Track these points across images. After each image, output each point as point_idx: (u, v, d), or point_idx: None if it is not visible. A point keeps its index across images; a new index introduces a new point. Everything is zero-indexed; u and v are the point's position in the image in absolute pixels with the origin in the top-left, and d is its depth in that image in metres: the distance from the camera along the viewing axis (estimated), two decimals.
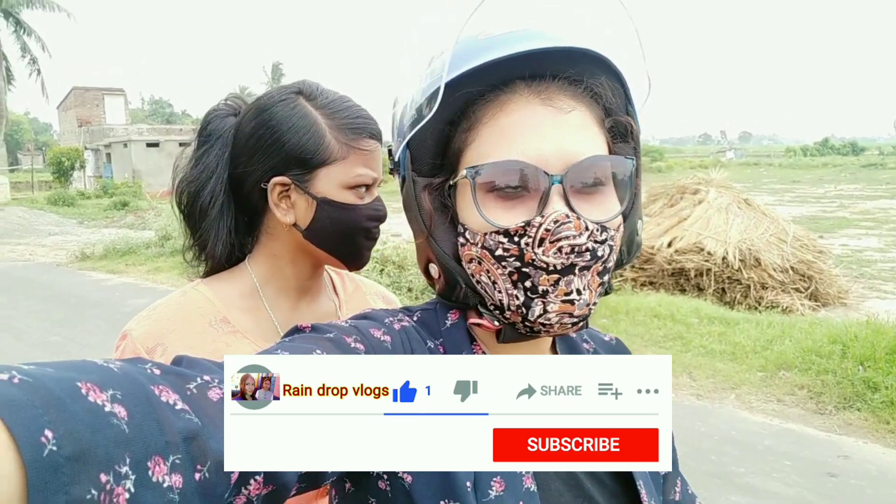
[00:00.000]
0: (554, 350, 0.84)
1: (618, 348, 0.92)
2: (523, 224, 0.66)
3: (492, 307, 0.72)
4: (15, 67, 32.83)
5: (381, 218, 1.14)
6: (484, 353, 0.76)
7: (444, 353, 0.74)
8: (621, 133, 0.74)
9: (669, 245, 8.88)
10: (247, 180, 1.11)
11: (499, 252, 0.68)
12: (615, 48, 0.72)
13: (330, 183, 1.08)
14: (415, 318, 0.78)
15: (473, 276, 0.72)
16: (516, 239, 0.66)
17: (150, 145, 34.32)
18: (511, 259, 0.67)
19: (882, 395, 4.78)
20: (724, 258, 8.43)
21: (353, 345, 0.65)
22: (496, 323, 0.73)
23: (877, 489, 3.81)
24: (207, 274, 1.19)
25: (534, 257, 0.66)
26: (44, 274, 12.24)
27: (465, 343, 0.75)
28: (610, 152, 0.73)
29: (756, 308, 8.02)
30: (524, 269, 0.67)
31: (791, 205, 21.67)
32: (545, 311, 0.67)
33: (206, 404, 0.46)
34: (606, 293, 0.74)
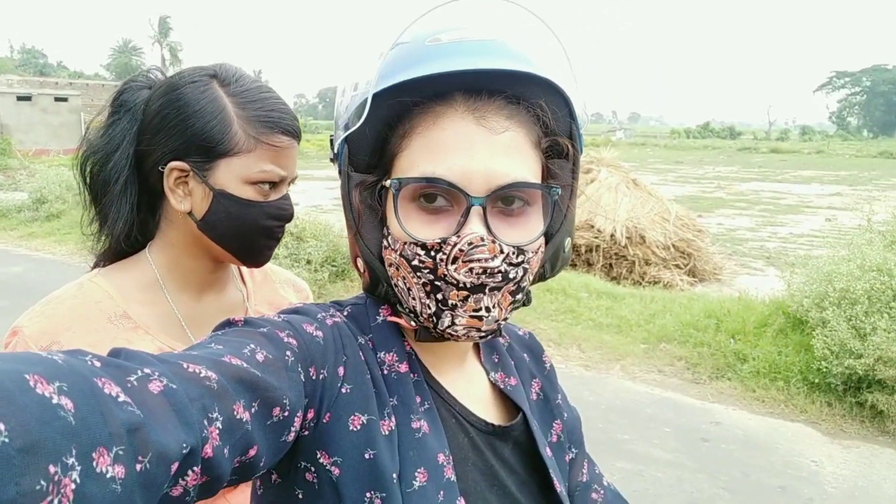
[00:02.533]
0: (476, 345, 0.87)
1: (531, 343, 0.97)
2: (439, 241, 0.68)
3: (407, 310, 0.75)
4: None
5: (286, 217, 1.10)
6: (412, 349, 0.78)
7: (374, 348, 0.75)
8: (559, 152, 0.76)
9: None
10: (147, 159, 1.06)
11: (415, 262, 0.69)
12: (562, 69, 0.73)
13: (230, 175, 1.04)
14: (345, 314, 0.78)
15: (392, 279, 0.74)
16: (432, 253, 0.68)
17: (21, 98, 31.69)
18: (426, 271, 0.69)
19: (750, 366, 5.21)
20: (612, 235, 8.83)
21: (285, 339, 0.66)
22: (413, 323, 0.75)
23: (743, 452, 4.18)
24: (105, 252, 1.13)
25: (445, 273, 0.67)
26: None
27: (395, 339, 0.77)
28: (544, 173, 0.75)
29: (640, 283, 8.47)
30: (436, 283, 0.68)
31: (674, 185, 22.87)
32: (453, 324, 0.69)
33: (146, 397, 0.46)
34: (524, 305, 0.78)
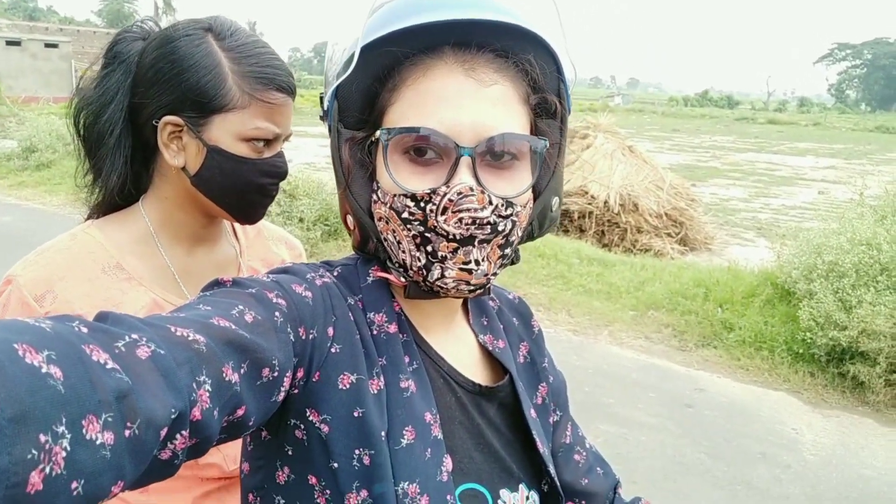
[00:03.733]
0: (465, 307, 0.88)
1: (520, 307, 0.98)
2: (429, 191, 0.68)
3: (396, 265, 0.75)
4: None
5: (280, 175, 1.09)
6: (401, 310, 0.78)
7: (364, 308, 0.76)
8: (548, 111, 0.76)
9: None
10: (141, 113, 1.05)
11: (405, 214, 0.70)
12: (552, 26, 0.73)
13: (224, 131, 1.03)
14: (335, 274, 0.79)
15: (382, 234, 0.75)
16: (422, 204, 0.68)
17: (10, 43, 31.05)
18: (416, 223, 0.69)
19: (736, 335, 5.28)
20: (605, 202, 8.83)
21: (274, 300, 0.66)
22: (402, 279, 0.75)
23: (726, 419, 4.26)
24: (98, 204, 1.13)
25: (436, 224, 0.68)
26: None
27: (386, 299, 0.77)
28: (533, 129, 0.75)
29: (631, 251, 8.51)
30: (426, 234, 0.69)
31: (670, 153, 22.82)
32: (443, 276, 0.70)
33: (134, 362, 0.47)
34: (513, 263, 0.79)
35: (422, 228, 0.69)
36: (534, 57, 0.73)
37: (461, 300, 0.85)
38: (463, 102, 0.68)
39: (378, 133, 0.71)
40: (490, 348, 0.85)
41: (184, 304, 0.63)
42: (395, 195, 0.70)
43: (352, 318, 0.74)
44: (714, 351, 5.25)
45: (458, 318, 0.86)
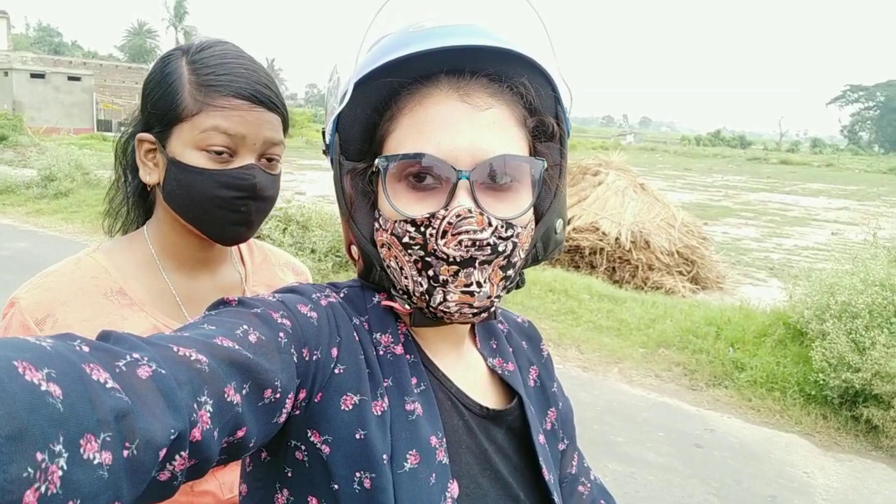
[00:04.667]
0: (473, 330, 0.88)
1: (530, 331, 0.97)
2: (428, 216, 0.69)
3: (400, 291, 0.76)
4: None
5: (245, 188, 1.02)
6: (407, 331, 0.79)
7: (370, 329, 0.76)
8: (546, 133, 0.78)
9: (568, 223, 9.17)
10: (134, 136, 1.09)
11: (406, 240, 0.71)
12: (543, 50, 0.75)
13: (180, 142, 1.02)
14: (342, 295, 0.79)
15: (385, 261, 0.76)
16: (422, 229, 0.69)
17: (34, 76, 31.76)
18: (416, 248, 0.70)
19: (747, 375, 5.22)
20: (616, 239, 8.82)
21: (279, 320, 0.66)
22: (407, 307, 0.76)
23: (736, 460, 4.19)
24: (122, 230, 1.17)
25: (435, 248, 0.69)
26: None
27: (391, 321, 0.78)
28: (532, 152, 0.77)
29: (642, 288, 8.46)
30: (427, 259, 0.70)
31: (682, 191, 22.78)
32: (445, 300, 0.70)
33: (135, 382, 0.47)
34: (518, 287, 0.79)
35: (422, 253, 0.70)
36: (528, 80, 0.74)
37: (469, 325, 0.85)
38: (459, 127, 0.70)
39: (377, 162, 0.72)
40: (499, 371, 0.85)
41: (188, 323, 0.63)
42: (395, 221, 0.71)
43: (357, 338, 0.74)
44: (725, 391, 5.18)
45: (467, 341, 0.86)
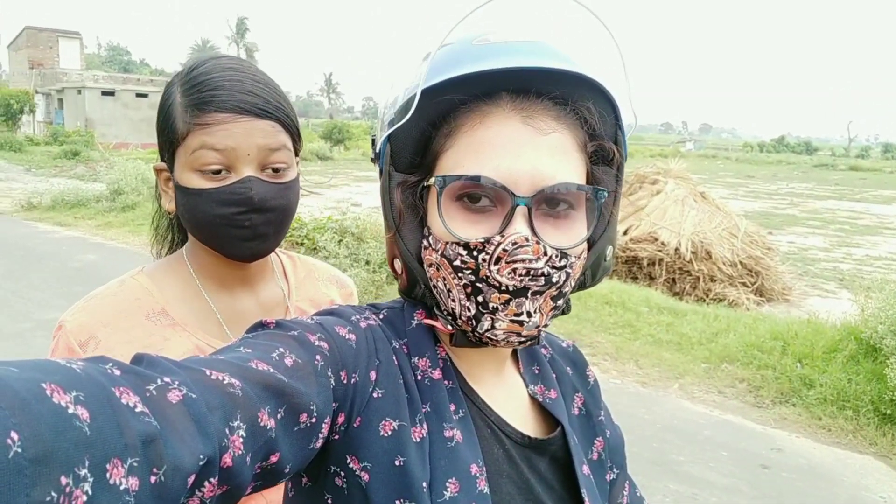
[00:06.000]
0: (515, 354, 0.85)
1: (575, 356, 0.94)
2: (483, 240, 0.66)
3: (445, 312, 0.74)
4: None
5: (242, 202, 0.99)
6: (447, 354, 0.76)
7: (409, 353, 0.74)
8: (604, 158, 0.75)
9: (625, 233, 9.03)
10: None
11: (457, 262, 0.68)
12: (609, 73, 0.72)
13: (179, 166, 1.01)
14: (381, 317, 0.78)
15: (431, 280, 0.73)
16: (475, 253, 0.67)
17: (105, 93, 33.25)
18: (467, 272, 0.68)
19: (817, 392, 4.99)
20: (676, 249, 8.62)
21: (316, 343, 0.65)
22: (449, 327, 0.74)
23: (806, 482, 4.00)
24: (171, 249, 1.19)
25: (488, 274, 0.66)
26: None
27: (429, 344, 0.76)
28: (589, 178, 0.73)
29: (703, 300, 8.24)
30: (478, 284, 0.67)
31: (745, 199, 22.20)
32: (493, 327, 0.68)
33: (165, 406, 0.46)
34: (563, 313, 0.76)
35: (473, 278, 0.67)
36: (593, 104, 0.71)
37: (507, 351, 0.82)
38: (520, 151, 0.67)
39: (433, 179, 0.70)
40: (541, 399, 0.82)
41: (225, 346, 0.63)
42: (447, 243, 0.69)
43: (396, 362, 0.72)
44: (793, 409, 4.97)
45: (508, 366, 0.83)
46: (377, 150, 0.78)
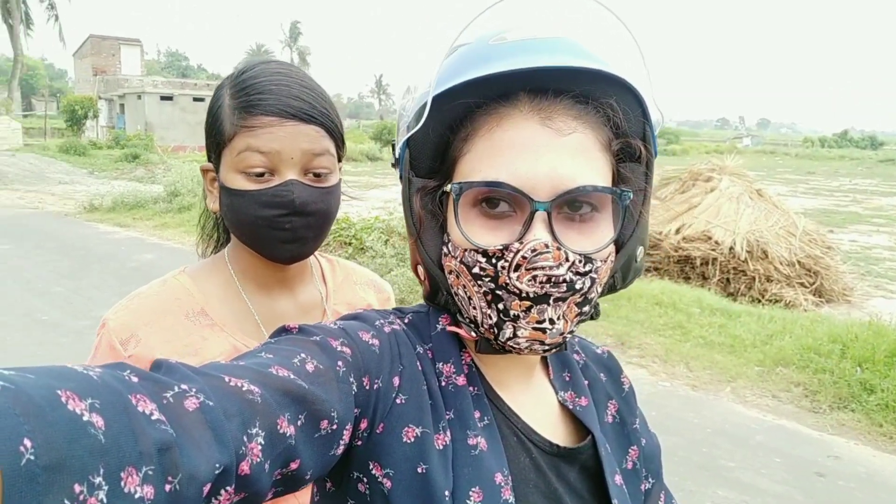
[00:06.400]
0: (544, 360, 0.83)
1: (609, 363, 0.91)
2: (501, 248, 0.65)
3: (467, 319, 0.72)
4: (34, 12, 32.96)
5: (284, 205, 1.01)
6: (472, 360, 0.75)
7: (433, 358, 0.73)
8: (632, 155, 0.72)
9: (677, 232, 8.84)
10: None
11: (476, 270, 0.67)
12: (635, 66, 0.69)
13: (225, 167, 1.04)
14: (406, 321, 0.77)
15: (452, 287, 0.72)
16: (493, 261, 0.65)
17: (163, 98, 34.25)
18: (487, 279, 0.66)
19: (877, 398, 4.79)
20: (731, 248, 8.39)
21: (339, 348, 0.65)
22: (473, 334, 0.73)
23: (865, 492, 3.84)
24: (216, 249, 1.23)
25: (507, 281, 0.64)
26: (52, 223, 12.36)
27: (454, 350, 0.75)
28: (615, 177, 0.71)
29: (759, 300, 8.00)
30: (497, 292, 0.66)
31: (804, 196, 21.49)
32: (515, 336, 0.66)
33: (181, 413, 0.46)
34: (592, 318, 0.74)
35: (493, 285, 0.66)
36: (616, 101, 0.68)
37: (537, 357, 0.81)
38: (539, 153, 0.65)
39: (449, 187, 0.69)
40: (571, 406, 0.80)
41: (246, 352, 0.63)
42: (465, 250, 0.68)
43: (420, 367, 0.72)
44: (851, 414, 4.78)
45: (538, 372, 0.81)
46: (397, 156, 0.77)
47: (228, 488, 0.48)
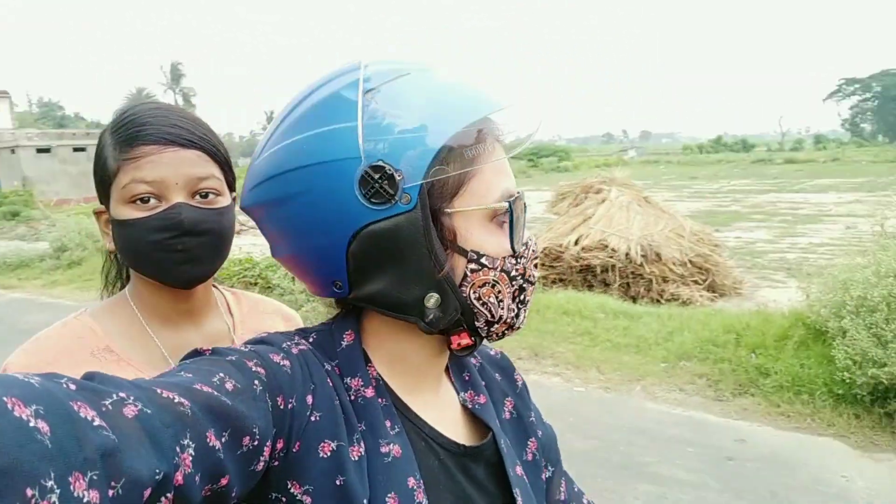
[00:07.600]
0: (446, 368, 0.87)
1: (503, 363, 0.97)
2: (524, 245, 0.76)
3: (483, 322, 0.76)
4: None
5: (175, 226, 1.01)
6: (378, 373, 0.78)
7: (341, 374, 0.75)
8: None
9: (576, 243, 9.16)
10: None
11: (513, 273, 0.75)
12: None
13: (114, 202, 1.04)
14: (310, 340, 0.79)
15: (480, 299, 0.74)
16: (521, 260, 0.76)
17: (40, 151, 32.48)
18: (518, 278, 0.76)
19: (773, 381, 5.11)
20: (626, 254, 8.77)
21: (254, 368, 0.66)
22: (473, 338, 0.78)
23: (770, 470, 4.08)
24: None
25: (531, 274, 0.77)
26: None
27: (361, 364, 0.77)
28: None
29: (658, 301, 8.38)
30: (524, 285, 0.76)
31: (689, 200, 22.76)
32: (521, 318, 0.78)
33: (121, 421, 0.46)
34: None
35: (521, 281, 0.76)
36: None
37: (445, 361, 0.85)
38: (508, 170, 0.78)
39: (505, 203, 0.74)
40: (470, 405, 0.85)
41: (165, 372, 0.63)
42: (504, 258, 0.74)
43: (330, 383, 0.73)
44: (752, 399, 5.08)
45: (444, 379, 0.86)
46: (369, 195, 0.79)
47: (168, 495, 0.49)
